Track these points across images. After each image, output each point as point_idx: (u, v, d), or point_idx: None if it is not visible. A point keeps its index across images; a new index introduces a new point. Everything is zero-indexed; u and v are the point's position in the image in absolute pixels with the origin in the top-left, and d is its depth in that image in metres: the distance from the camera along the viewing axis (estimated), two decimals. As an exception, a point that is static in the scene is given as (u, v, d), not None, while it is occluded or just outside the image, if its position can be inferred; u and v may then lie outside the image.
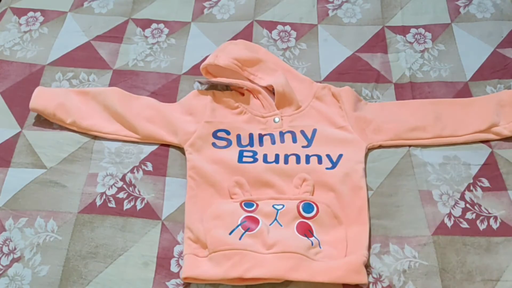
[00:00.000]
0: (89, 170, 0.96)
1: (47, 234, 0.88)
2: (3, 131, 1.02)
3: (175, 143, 0.97)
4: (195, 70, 1.11)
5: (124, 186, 0.94)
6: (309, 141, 0.96)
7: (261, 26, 1.21)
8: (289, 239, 0.81)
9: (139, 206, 0.91)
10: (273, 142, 0.96)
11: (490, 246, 0.84)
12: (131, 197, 0.92)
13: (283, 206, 0.86)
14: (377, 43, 1.16)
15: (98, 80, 1.10)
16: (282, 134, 0.97)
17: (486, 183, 0.92)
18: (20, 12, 1.25)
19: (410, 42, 1.16)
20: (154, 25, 1.22)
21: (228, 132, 0.97)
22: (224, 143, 0.96)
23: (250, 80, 1.03)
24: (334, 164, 0.92)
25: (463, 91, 1.06)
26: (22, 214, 0.90)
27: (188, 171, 0.93)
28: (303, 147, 0.95)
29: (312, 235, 0.83)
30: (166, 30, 1.20)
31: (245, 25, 1.21)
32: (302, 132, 0.97)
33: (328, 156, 0.93)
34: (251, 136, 0.97)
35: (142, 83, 1.10)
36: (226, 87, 1.06)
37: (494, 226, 0.87)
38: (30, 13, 1.24)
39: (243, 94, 1.03)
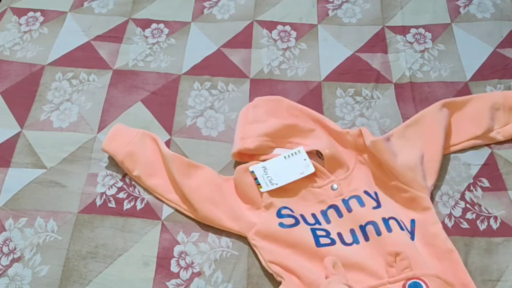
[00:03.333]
0: (89, 170, 0.96)
1: (47, 234, 0.88)
2: (3, 131, 1.02)
3: (235, 230, 0.87)
4: (195, 70, 1.11)
5: (124, 186, 0.94)
6: (377, 201, 0.87)
7: (261, 26, 1.20)
8: None
9: (139, 206, 0.91)
10: (340, 215, 0.86)
11: (490, 246, 0.85)
12: (131, 197, 0.92)
13: None
14: (377, 43, 1.16)
15: (98, 80, 1.10)
16: (346, 202, 0.87)
17: (486, 183, 0.92)
18: (20, 12, 1.25)
19: (410, 42, 1.16)
20: (154, 25, 1.22)
21: (291, 210, 0.87)
22: (291, 220, 0.85)
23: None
24: (411, 234, 0.83)
25: (463, 91, 1.06)
26: (22, 214, 0.90)
27: (270, 266, 0.81)
28: (374, 208, 0.86)
29: None
30: (166, 30, 1.20)
31: (245, 25, 1.21)
32: (366, 192, 0.88)
33: (402, 222, 0.84)
34: (314, 216, 0.87)
35: (142, 83, 1.10)
36: None
37: (494, 226, 0.87)
38: (30, 13, 1.24)
39: None
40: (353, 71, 1.11)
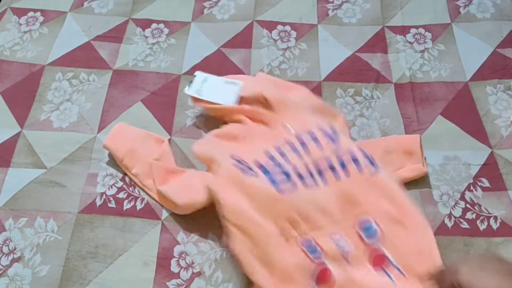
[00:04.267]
0: (89, 170, 0.96)
1: (47, 234, 0.88)
2: (3, 131, 1.02)
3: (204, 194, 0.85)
4: (195, 70, 1.11)
5: (124, 186, 0.94)
6: (332, 136, 0.85)
7: (261, 26, 1.20)
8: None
9: (139, 206, 0.91)
10: (295, 150, 0.85)
11: (490, 246, 0.85)
12: (131, 197, 0.92)
13: (345, 240, 0.77)
14: (377, 43, 1.16)
15: (98, 80, 1.10)
16: (299, 136, 0.86)
17: (486, 183, 0.93)
18: (20, 12, 1.25)
19: (410, 42, 1.16)
20: (154, 25, 1.22)
21: (242, 160, 0.84)
22: (245, 169, 0.83)
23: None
24: (374, 165, 0.82)
25: (463, 91, 1.06)
26: (22, 214, 0.90)
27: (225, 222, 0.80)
28: (329, 144, 0.84)
29: (390, 262, 0.76)
30: (166, 30, 1.20)
31: (245, 25, 1.21)
32: (320, 128, 0.87)
33: (362, 151, 0.83)
34: (267, 153, 0.85)
35: (142, 83, 1.10)
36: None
37: (494, 226, 0.87)
38: (30, 13, 1.24)
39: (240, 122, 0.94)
40: (353, 71, 1.11)
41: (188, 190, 0.87)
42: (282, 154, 0.85)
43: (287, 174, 0.82)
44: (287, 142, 0.86)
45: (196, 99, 0.98)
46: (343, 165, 0.83)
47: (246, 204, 0.79)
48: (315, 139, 0.86)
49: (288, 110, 0.92)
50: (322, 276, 0.76)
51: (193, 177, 0.89)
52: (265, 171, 0.83)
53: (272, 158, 0.85)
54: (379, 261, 0.77)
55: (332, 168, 0.83)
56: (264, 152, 0.86)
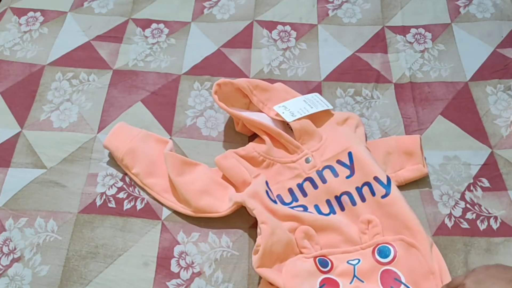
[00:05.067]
0: (89, 170, 0.96)
1: (47, 234, 0.88)
2: (3, 131, 1.02)
3: (231, 207, 0.87)
4: (195, 70, 1.11)
5: (124, 186, 0.94)
6: (350, 169, 0.88)
7: (261, 26, 1.21)
8: None
9: (139, 206, 0.91)
10: (315, 187, 0.89)
11: (490, 246, 0.85)
12: (131, 197, 0.92)
13: (359, 260, 0.79)
14: (377, 43, 1.16)
15: (98, 80, 1.10)
16: (320, 173, 0.89)
17: (486, 183, 0.93)
18: (20, 12, 1.25)
19: (410, 42, 1.16)
20: (154, 25, 1.22)
21: (270, 190, 0.89)
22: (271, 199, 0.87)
23: (259, 110, 0.99)
24: (387, 188, 0.84)
25: (463, 91, 1.06)
26: (22, 214, 0.90)
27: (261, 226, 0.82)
28: (347, 178, 0.87)
29: (400, 282, 0.77)
30: (166, 30, 1.20)
31: (245, 25, 1.21)
32: (339, 161, 0.89)
33: (376, 179, 0.85)
34: (290, 191, 0.90)
35: (142, 83, 1.10)
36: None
37: (494, 226, 0.87)
38: (30, 13, 1.24)
39: (262, 141, 0.95)
40: (353, 71, 1.11)
41: (210, 196, 0.89)
42: (304, 194, 0.89)
43: (305, 207, 0.88)
44: (308, 179, 0.90)
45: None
46: (359, 191, 0.86)
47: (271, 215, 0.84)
48: (335, 174, 0.89)
49: (309, 140, 0.94)
50: (329, 284, 0.77)
51: (214, 182, 0.91)
52: (285, 204, 0.88)
53: (293, 196, 0.90)
54: (389, 280, 0.77)
55: (349, 196, 0.87)
56: (287, 190, 0.90)
